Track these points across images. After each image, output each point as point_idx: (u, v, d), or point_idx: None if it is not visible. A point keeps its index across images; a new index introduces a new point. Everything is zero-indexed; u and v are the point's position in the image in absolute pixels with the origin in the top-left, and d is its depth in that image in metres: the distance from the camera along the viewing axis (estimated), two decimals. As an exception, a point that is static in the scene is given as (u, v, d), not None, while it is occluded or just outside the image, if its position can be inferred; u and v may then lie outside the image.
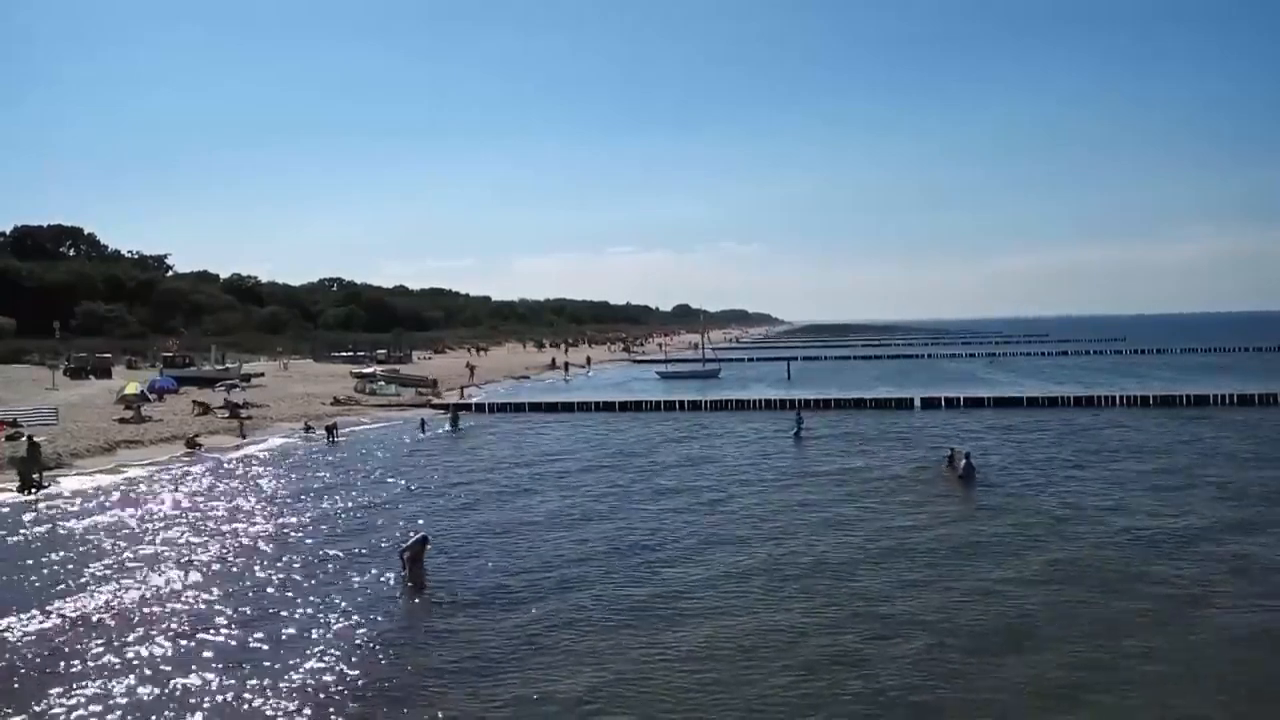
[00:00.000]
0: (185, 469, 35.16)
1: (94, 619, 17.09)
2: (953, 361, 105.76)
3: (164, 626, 16.60)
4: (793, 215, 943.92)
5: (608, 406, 57.19)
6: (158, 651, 15.36)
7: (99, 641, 15.84)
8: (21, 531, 24.68)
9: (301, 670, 14.49)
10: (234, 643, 15.79)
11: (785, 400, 55.65)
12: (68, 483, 31.72)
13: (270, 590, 18.93)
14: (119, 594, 18.64)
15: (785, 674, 13.93)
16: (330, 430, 43.87)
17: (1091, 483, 28.62)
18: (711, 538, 22.64)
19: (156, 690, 13.72)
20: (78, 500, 28.91)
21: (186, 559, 21.43)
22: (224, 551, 22.26)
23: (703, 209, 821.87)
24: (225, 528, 24.82)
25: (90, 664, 14.84)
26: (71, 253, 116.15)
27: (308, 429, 46.15)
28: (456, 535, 23.34)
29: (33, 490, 29.98)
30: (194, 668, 14.59)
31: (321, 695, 13.58)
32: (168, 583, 19.44)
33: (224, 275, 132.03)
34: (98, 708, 13.19)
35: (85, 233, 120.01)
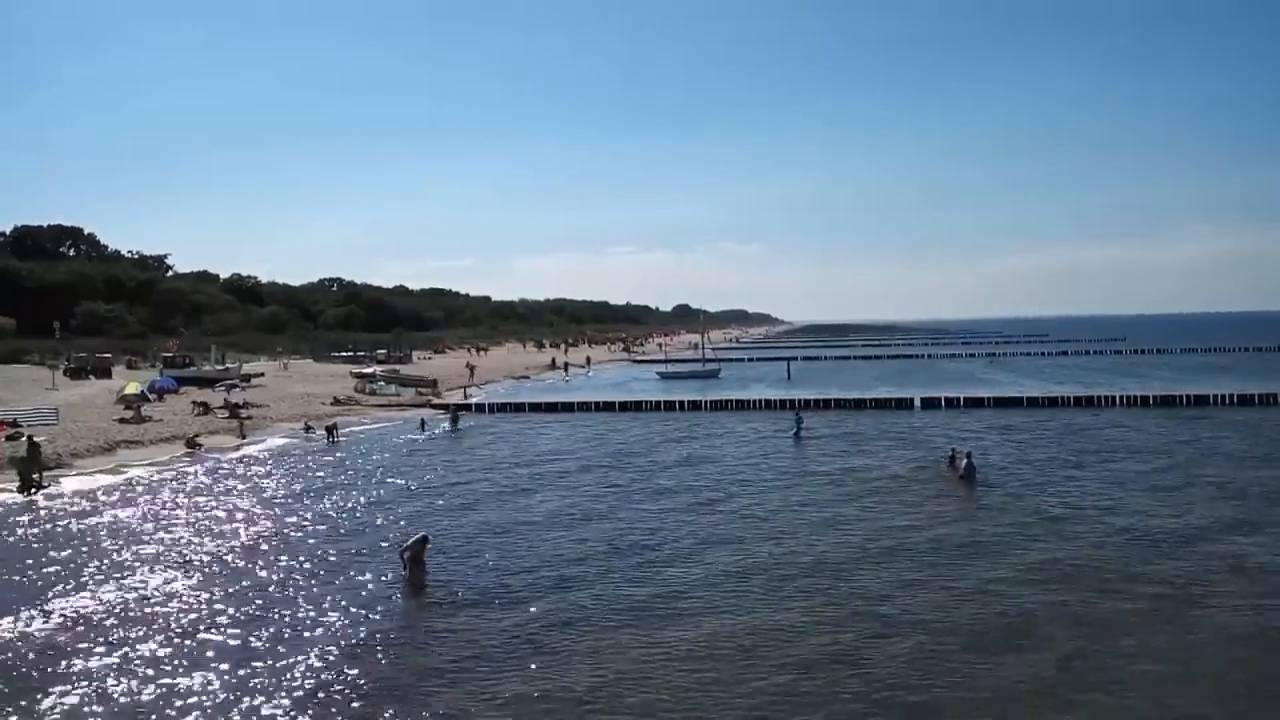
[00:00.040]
0: (185, 469, 35.19)
1: (94, 619, 17.10)
2: (953, 361, 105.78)
3: (164, 626, 16.62)
4: (793, 215, 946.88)
5: (607, 406, 57.20)
6: (158, 651, 15.37)
7: (99, 641, 15.86)
8: (21, 531, 24.71)
9: (302, 670, 14.51)
10: (234, 642, 15.80)
11: (785, 400, 55.67)
12: (68, 483, 31.74)
13: (270, 590, 18.94)
14: (119, 594, 18.65)
15: (784, 673, 13.95)
16: (330, 430, 43.87)
17: (1091, 483, 28.63)
18: (711, 537, 22.66)
19: (156, 690, 13.74)
20: (78, 500, 28.93)
21: (186, 559, 21.45)
22: (224, 551, 22.26)
23: (703, 209, 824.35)
24: (225, 527, 24.83)
25: (90, 664, 14.85)
26: (71, 253, 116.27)
27: (308, 429, 46.17)
28: (456, 535, 23.36)
29: (33, 490, 30.00)
30: (194, 668, 14.60)
31: (322, 695, 13.60)
32: (167, 583, 19.46)
33: (224, 275, 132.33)
34: (98, 708, 13.21)
35: (85, 233, 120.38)
